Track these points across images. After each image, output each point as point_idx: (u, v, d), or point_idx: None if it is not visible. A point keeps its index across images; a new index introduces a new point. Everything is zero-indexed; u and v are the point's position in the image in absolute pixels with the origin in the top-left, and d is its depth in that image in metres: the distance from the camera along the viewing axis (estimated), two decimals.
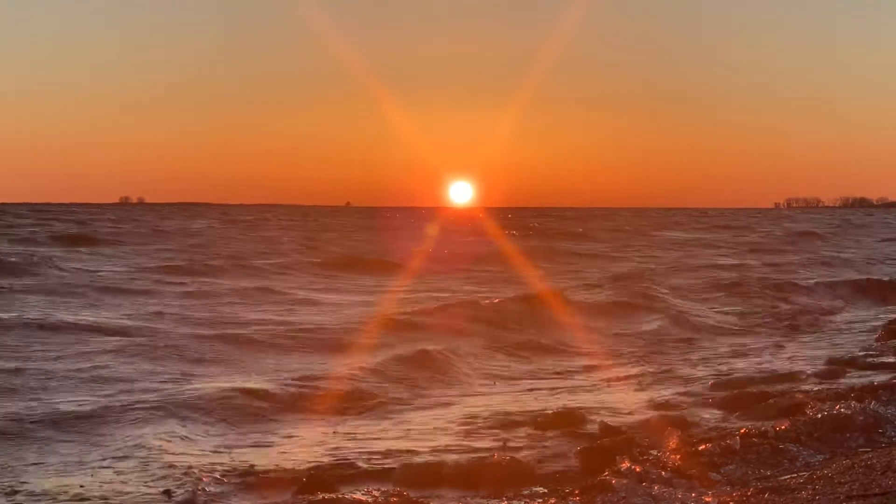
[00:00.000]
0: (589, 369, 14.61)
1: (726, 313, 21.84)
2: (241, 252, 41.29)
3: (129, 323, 18.13)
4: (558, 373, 14.41)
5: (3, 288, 23.88)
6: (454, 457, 8.85)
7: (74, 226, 65.75)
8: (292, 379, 12.55)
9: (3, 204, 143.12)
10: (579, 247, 50.85)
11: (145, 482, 8.14)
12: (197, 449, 9.29)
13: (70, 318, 18.41)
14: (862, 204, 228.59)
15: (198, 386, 12.04)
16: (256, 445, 9.61)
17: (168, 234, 58.84)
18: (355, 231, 70.26)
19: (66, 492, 7.88)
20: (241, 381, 12.34)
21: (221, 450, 9.32)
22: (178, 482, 8.12)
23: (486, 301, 20.85)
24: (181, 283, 26.83)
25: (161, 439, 9.48)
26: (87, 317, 18.77)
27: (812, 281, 28.35)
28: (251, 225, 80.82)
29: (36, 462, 8.80)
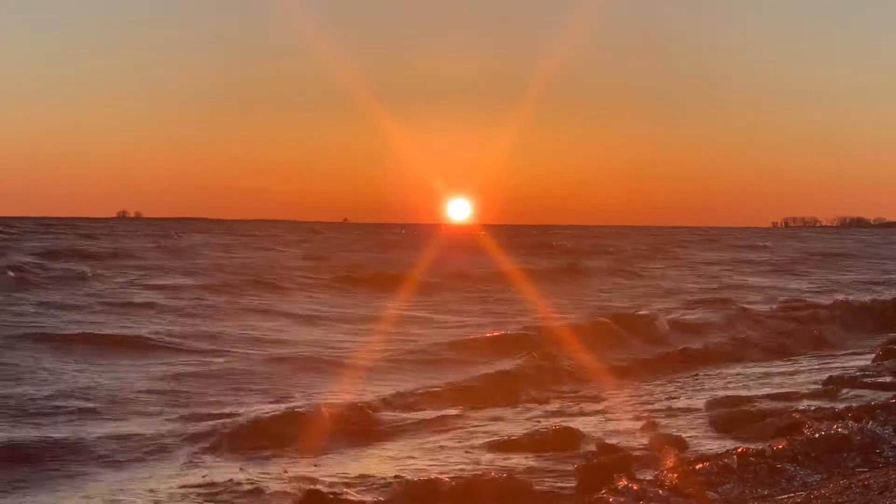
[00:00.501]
0: (596, 389, 14.61)
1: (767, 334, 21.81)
2: (284, 268, 40.64)
3: (181, 340, 18.16)
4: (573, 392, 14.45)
5: (50, 303, 23.93)
6: (452, 473, 8.86)
7: (92, 241, 64.63)
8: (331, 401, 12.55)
9: (6, 217, 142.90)
10: (607, 264, 49.60)
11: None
12: (221, 472, 9.36)
13: (123, 333, 18.49)
14: (859, 224, 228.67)
15: (246, 409, 12.09)
16: (267, 466, 9.67)
17: (194, 250, 57.64)
18: (382, 247, 68.65)
19: None
20: (289, 404, 12.37)
21: (235, 470, 9.38)
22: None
23: (582, 322, 20.58)
24: (241, 303, 26.29)
25: (188, 463, 9.58)
26: (139, 333, 18.76)
27: (837, 299, 28.15)
28: (264, 240, 80.00)
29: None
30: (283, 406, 12.06)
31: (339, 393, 13.24)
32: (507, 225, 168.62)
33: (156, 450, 10.04)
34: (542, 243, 78.70)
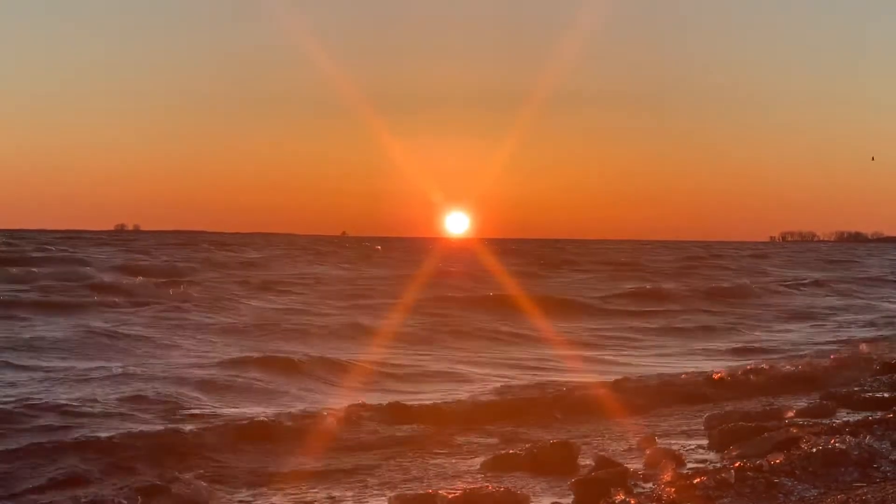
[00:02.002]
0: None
1: None
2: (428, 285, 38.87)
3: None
4: None
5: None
6: (449, 487, 8.85)
7: (147, 256, 62.81)
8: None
9: (24, 230, 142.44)
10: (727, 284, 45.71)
11: None
12: None
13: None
14: (857, 238, 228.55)
15: None
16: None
17: (281, 265, 55.44)
18: (461, 263, 62.96)
19: None
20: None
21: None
22: None
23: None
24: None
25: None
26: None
27: None
28: (310, 253, 78.39)
29: None
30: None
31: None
32: (507, 239, 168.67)
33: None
34: (600, 260, 75.65)
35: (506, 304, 30.71)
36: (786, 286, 45.56)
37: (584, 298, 35.67)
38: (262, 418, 11.60)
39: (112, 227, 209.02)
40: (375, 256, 76.84)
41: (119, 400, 12.65)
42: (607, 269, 61.86)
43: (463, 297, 32.89)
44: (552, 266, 64.32)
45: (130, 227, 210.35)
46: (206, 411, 12.43)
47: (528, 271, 55.64)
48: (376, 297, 33.99)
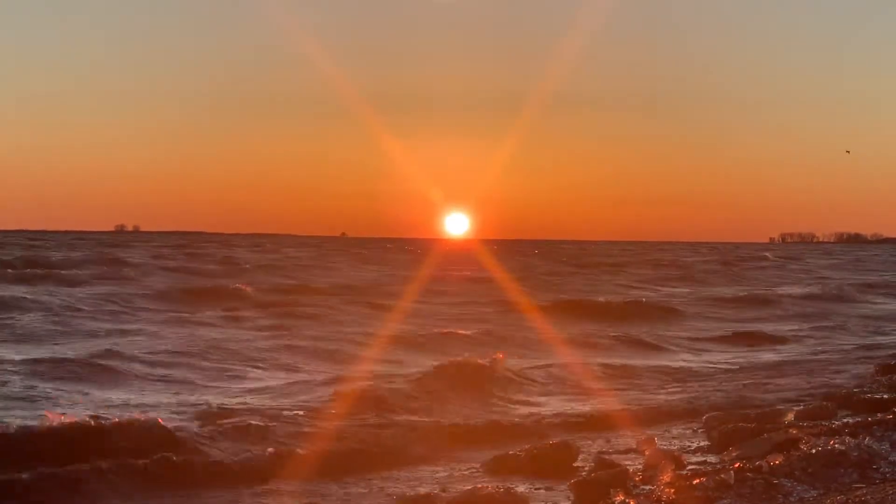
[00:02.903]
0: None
1: None
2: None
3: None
4: None
5: None
6: (450, 488, 8.87)
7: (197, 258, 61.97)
8: None
9: (25, 231, 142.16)
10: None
11: None
12: None
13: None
14: (856, 240, 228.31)
15: None
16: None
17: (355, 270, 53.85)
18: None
19: None
20: None
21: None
22: None
23: None
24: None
25: None
26: None
27: None
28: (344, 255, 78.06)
29: None
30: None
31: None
32: (506, 240, 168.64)
33: None
34: (629, 261, 74.99)
35: (624, 312, 30.30)
36: (862, 289, 44.71)
37: (685, 306, 34.09)
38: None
39: (112, 228, 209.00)
40: (406, 258, 76.09)
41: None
42: (653, 270, 60.82)
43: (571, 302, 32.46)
44: (587, 267, 63.44)
45: (130, 228, 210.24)
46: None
47: (569, 271, 54.92)
48: (476, 303, 33.02)
